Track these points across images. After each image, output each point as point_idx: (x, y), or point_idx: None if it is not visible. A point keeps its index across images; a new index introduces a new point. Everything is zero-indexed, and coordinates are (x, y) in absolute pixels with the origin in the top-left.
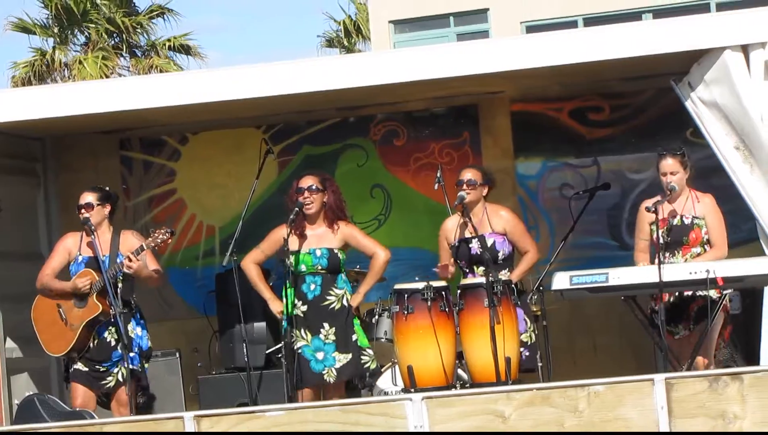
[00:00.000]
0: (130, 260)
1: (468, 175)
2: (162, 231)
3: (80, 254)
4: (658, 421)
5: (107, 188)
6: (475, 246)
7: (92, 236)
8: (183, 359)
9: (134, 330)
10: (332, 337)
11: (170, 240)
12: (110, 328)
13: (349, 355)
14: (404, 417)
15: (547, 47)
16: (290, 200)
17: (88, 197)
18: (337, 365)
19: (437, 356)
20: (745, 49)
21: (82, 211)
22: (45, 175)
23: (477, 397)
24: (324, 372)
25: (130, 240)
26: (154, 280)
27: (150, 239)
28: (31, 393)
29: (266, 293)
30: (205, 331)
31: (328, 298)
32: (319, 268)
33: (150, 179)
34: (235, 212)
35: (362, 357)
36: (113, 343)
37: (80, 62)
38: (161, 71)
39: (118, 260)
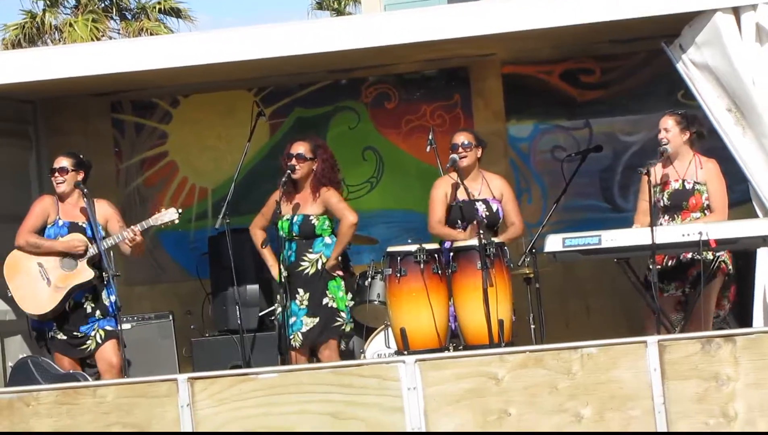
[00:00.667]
0: (135, 234)
1: (462, 138)
2: (171, 210)
3: (60, 218)
4: (651, 383)
5: (81, 156)
6: (482, 208)
7: (86, 201)
8: (176, 322)
9: (108, 298)
10: (306, 302)
11: (177, 221)
12: (86, 294)
13: (316, 319)
14: (397, 379)
15: (539, 10)
16: (283, 163)
17: (63, 162)
18: (303, 329)
19: (430, 318)
20: (737, 11)
21: (56, 174)
22: (37, 137)
23: (470, 360)
24: (291, 337)
25: (104, 208)
26: (141, 250)
27: (157, 216)
28: (25, 355)
29: (268, 259)
30: (198, 293)
31: (302, 263)
32: (294, 234)
33: (142, 142)
34: (227, 175)
35: (336, 320)
36: (89, 309)
37: (70, 25)
38: (151, 34)
39: (121, 235)
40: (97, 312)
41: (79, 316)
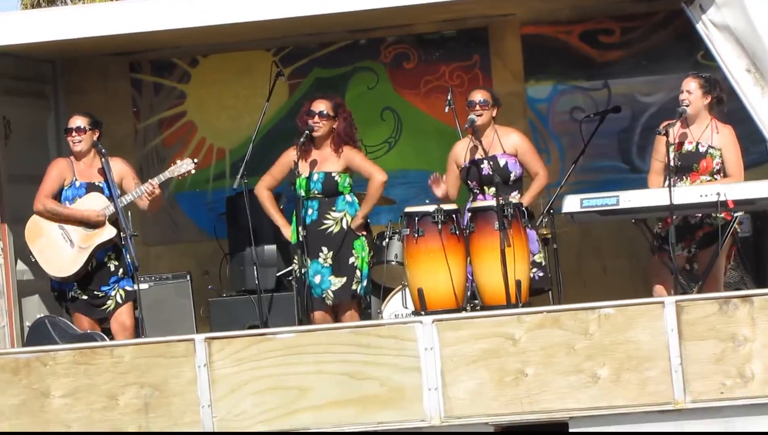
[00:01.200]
0: (153, 187)
1: (479, 96)
2: (186, 161)
3: (76, 179)
4: (668, 344)
5: (95, 117)
6: (486, 166)
7: (103, 160)
8: (193, 282)
9: (125, 256)
10: (330, 261)
11: (194, 171)
12: (109, 253)
13: (344, 278)
14: (414, 340)
15: None
16: (301, 121)
17: (79, 121)
18: (333, 288)
19: (447, 279)
20: None
21: (73, 134)
22: (55, 97)
23: (487, 320)
24: (323, 295)
25: (119, 167)
26: (159, 205)
27: (173, 167)
28: (42, 315)
29: (278, 220)
30: (216, 253)
31: (325, 222)
32: (316, 192)
33: (160, 102)
34: (246, 135)
35: (354, 280)
36: (112, 268)
37: None
38: None
39: (139, 190)
40: (120, 270)
41: (103, 275)
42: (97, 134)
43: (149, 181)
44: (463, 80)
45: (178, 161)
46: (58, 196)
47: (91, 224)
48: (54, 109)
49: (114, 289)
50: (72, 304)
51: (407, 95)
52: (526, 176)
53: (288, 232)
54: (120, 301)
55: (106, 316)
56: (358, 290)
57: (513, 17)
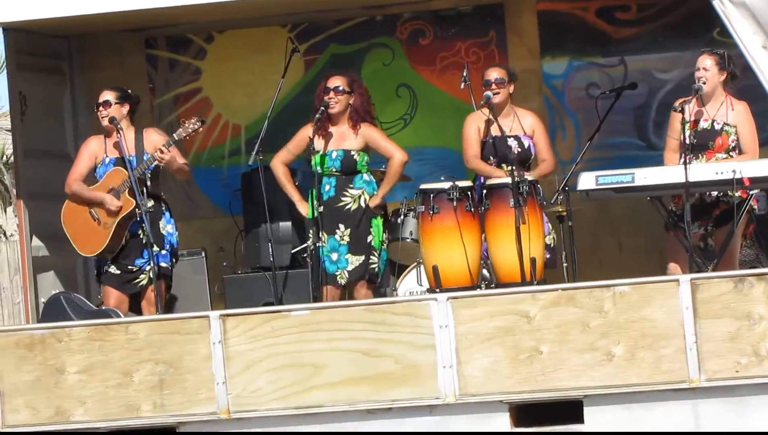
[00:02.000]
0: (162, 152)
1: (494, 74)
2: (193, 120)
3: (107, 156)
4: (683, 322)
5: (128, 90)
6: (514, 144)
7: (119, 135)
8: (208, 258)
9: (165, 227)
10: (347, 238)
11: (202, 129)
12: (143, 225)
13: (362, 257)
14: (429, 317)
15: None
16: (317, 98)
17: (107, 95)
18: (349, 267)
19: (462, 256)
20: None
21: (100, 108)
22: (71, 73)
23: (502, 298)
24: (337, 274)
25: (153, 137)
26: (184, 172)
27: (181, 129)
28: (57, 291)
29: (294, 195)
30: (231, 230)
31: (343, 199)
32: (334, 169)
33: (175, 78)
34: (261, 111)
35: (371, 258)
36: (144, 240)
37: None
38: None
39: (152, 157)
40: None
41: (135, 248)
42: (127, 107)
43: (159, 147)
44: (479, 56)
45: (185, 123)
46: (93, 175)
47: (115, 199)
48: (70, 85)
49: (148, 265)
50: (104, 277)
51: (423, 72)
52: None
53: (303, 207)
54: (153, 276)
55: (137, 290)
56: (377, 269)
57: None
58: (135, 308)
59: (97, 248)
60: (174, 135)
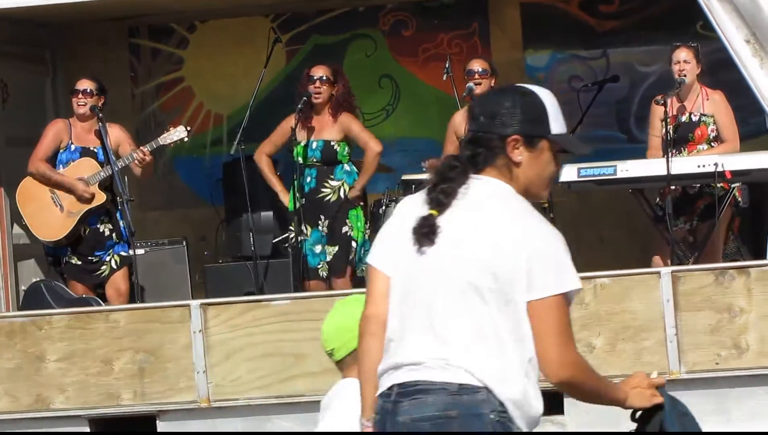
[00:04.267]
0: (145, 154)
1: (477, 65)
2: (179, 129)
3: (72, 143)
4: (664, 314)
5: (103, 83)
6: None
7: (101, 125)
8: (190, 248)
9: (121, 221)
10: (326, 230)
11: (186, 139)
12: (102, 217)
13: (336, 248)
14: None
15: None
16: (301, 87)
17: (87, 84)
18: (329, 259)
19: None
20: None
21: (80, 96)
22: (53, 62)
23: None
24: (319, 266)
25: (116, 133)
26: (148, 173)
27: (166, 135)
28: (38, 279)
29: (277, 185)
30: (212, 219)
31: (323, 190)
32: (314, 160)
33: (158, 67)
34: (243, 101)
35: (350, 249)
36: (107, 233)
37: None
38: None
39: (132, 156)
40: (114, 235)
41: (96, 240)
42: (102, 100)
43: (141, 147)
44: (462, 48)
45: (171, 129)
46: (53, 158)
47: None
48: (52, 74)
49: (108, 255)
50: (66, 269)
51: (405, 63)
52: None
53: (286, 198)
54: (115, 266)
55: (100, 281)
56: (356, 260)
57: None
58: (99, 297)
59: (57, 235)
60: (159, 139)
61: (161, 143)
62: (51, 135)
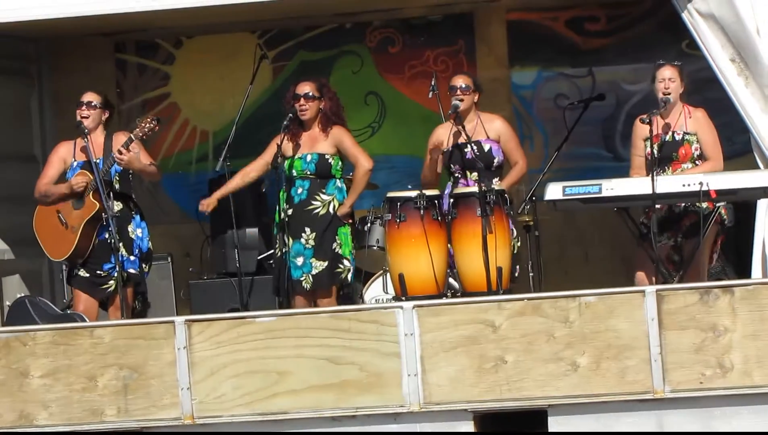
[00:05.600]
0: (120, 153)
1: (460, 81)
2: (148, 120)
3: (75, 160)
4: (649, 333)
5: (108, 96)
6: (469, 151)
7: (85, 139)
8: (175, 264)
9: (134, 231)
10: (312, 243)
11: (157, 128)
12: (110, 229)
13: (325, 263)
14: (395, 325)
15: None
16: (287, 104)
17: (91, 97)
18: (314, 272)
19: (429, 265)
20: None
21: (83, 108)
22: (39, 77)
23: (468, 306)
24: (302, 278)
25: (121, 139)
26: (151, 173)
27: (137, 129)
28: (23, 295)
29: (222, 190)
30: (198, 236)
31: (314, 202)
32: (308, 172)
33: (144, 83)
34: (229, 117)
35: (338, 266)
36: (113, 244)
37: None
38: None
39: (112, 157)
40: (121, 246)
41: (104, 251)
42: (107, 114)
43: (118, 149)
44: (448, 65)
45: (142, 123)
46: (63, 181)
47: (80, 203)
48: (38, 88)
49: (117, 270)
50: (74, 281)
51: (392, 80)
52: (506, 164)
53: (207, 202)
54: (122, 283)
55: (106, 295)
56: (348, 278)
57: (499, 3)
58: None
59: (65, 252)
60: (131, 135)
61: (133, 138)
62: (54, 161)
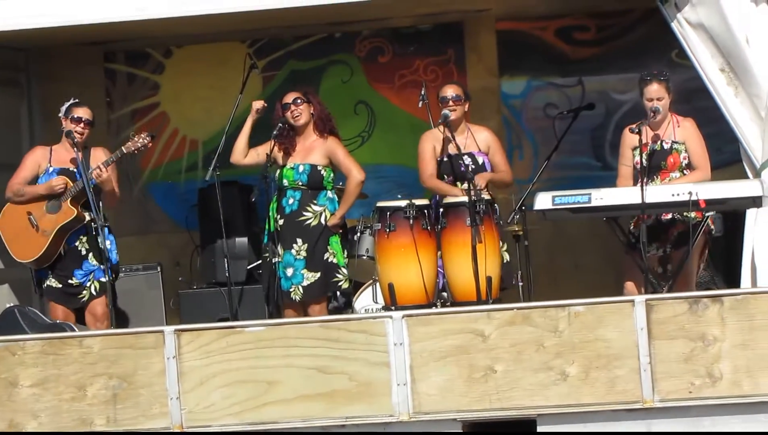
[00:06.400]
0: (100, 169)
1: (451, 91)
2: (143, 135)
3: (51, 166)
4: (638, 343)
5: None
6: (465, 162)
7: (77, 152)
8: (164, 273)
9: (104, 243)
10: (303, 254)
11: (150, 144)
12: (81, 237)
13: (318, 274)
14: (384, 334)
15: None
16: (276, 117)
17: (88, 114)
18: (305, 283)
19: (418, 274)
20: None
21: (81, 125)
22: (29, 85)
23: (457, 316)
24: (291, 290)
25: (99, 155)
26: (112, 198)
27: (130, 143)
28: (12, 304)
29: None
30: (187, 245)
31: (305, 213)
32: (300, 183)
33: (133, 92)
34: (219, 127)
35: (336, 276)
36: (84, 252)
37: None
38: None
39: (90, 173)
40: (91, 255)
41: (74, 260)
42: (89, 130)
43: (98, 164)
44: (438, 75)
45: (136, 137)
46: (32, 184)
47: (56, 208)
48: (27, 97)
49: (89, 280)
50: (46, 292)
51: (381, 89)
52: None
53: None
54: (95, 292)
55: (80, 305)
56: (345, 286)
57: (488, 12)
58: (80, 321)
59: (32, 255)
60: (123, 148)
61: (125, 152)
62: (28, 162)
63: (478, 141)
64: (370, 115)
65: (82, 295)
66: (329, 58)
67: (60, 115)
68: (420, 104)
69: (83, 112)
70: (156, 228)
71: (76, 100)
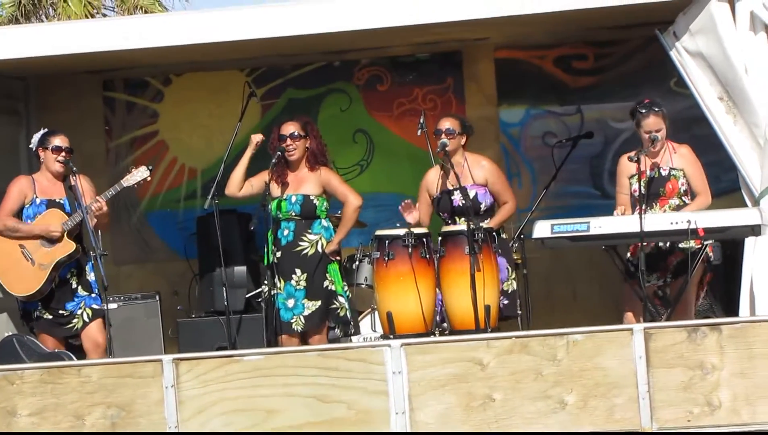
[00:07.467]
0: (99, 202)
1: (446, 124)
2: (141, 169)
3: (36, 196)
4: (636, 371)
5: None
6: (457, 197)
7: (75, 179)
8: (162, 302)
9: (89, 274)
10: (303, 284)
11: (149, 179)
12: (71, 269)
13: (318, 302)
14: (383, 363)
15: None
16: (271, 147)
17: (67, 142)
18: (306, 313)
19: (417, 303)
20: None
21: (63, 153)
22: (27, 114)
23: (456, 345)
24: (293, 320)
25: (83, 184)
26: (103, 227)
27: (129, 176)
28: (10, 334)
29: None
30: (186, 274)
31: (301, 243)
32: (293, 214)
33: (132, 120)
34: (218, 155)
35: (334, 303)
36: (74, 284)
37: (64, 0)
38: (146, 11)
39: (89, 207)
40: (80, 287)
41: (65, 292)
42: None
43: (97, 197)
44: (437, 103)
45: (134, 169)
46: (19, 215)
47: (51, 241)
48: (26, 126)
49: (80, 308)
50: (36, 324)
51: (380, 117)
52: (496, 206)
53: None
54: (87, 319)
55: (72, 334)
56: (345, 315)
57: (487, 41)
58: (69, 349)
59: (30, 288)
60: (122, 181)
61: (124, 185)
62: (14, 192)
63: (474, 173)
64: (369, 143)
65: (72, 324)
66: (328, 86)
67: (31, 146)
68: (419, 133)
69: (62, 141)
70: (154, 257)
71: (47, 130)
